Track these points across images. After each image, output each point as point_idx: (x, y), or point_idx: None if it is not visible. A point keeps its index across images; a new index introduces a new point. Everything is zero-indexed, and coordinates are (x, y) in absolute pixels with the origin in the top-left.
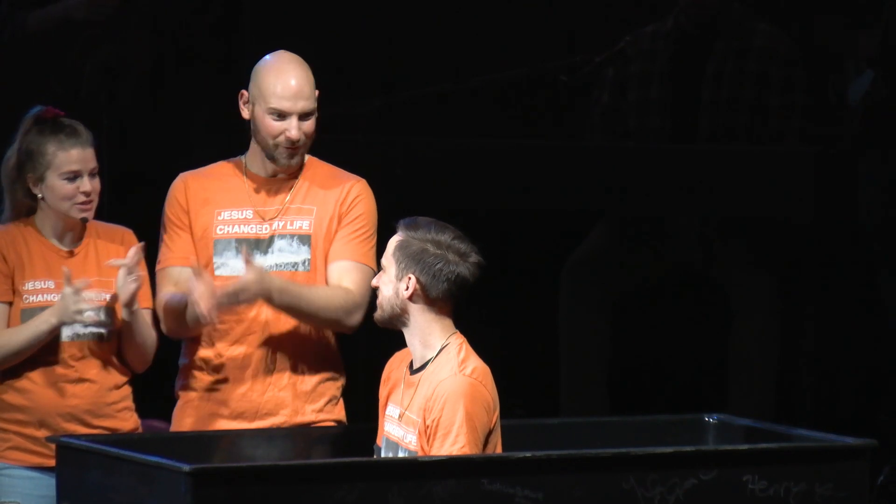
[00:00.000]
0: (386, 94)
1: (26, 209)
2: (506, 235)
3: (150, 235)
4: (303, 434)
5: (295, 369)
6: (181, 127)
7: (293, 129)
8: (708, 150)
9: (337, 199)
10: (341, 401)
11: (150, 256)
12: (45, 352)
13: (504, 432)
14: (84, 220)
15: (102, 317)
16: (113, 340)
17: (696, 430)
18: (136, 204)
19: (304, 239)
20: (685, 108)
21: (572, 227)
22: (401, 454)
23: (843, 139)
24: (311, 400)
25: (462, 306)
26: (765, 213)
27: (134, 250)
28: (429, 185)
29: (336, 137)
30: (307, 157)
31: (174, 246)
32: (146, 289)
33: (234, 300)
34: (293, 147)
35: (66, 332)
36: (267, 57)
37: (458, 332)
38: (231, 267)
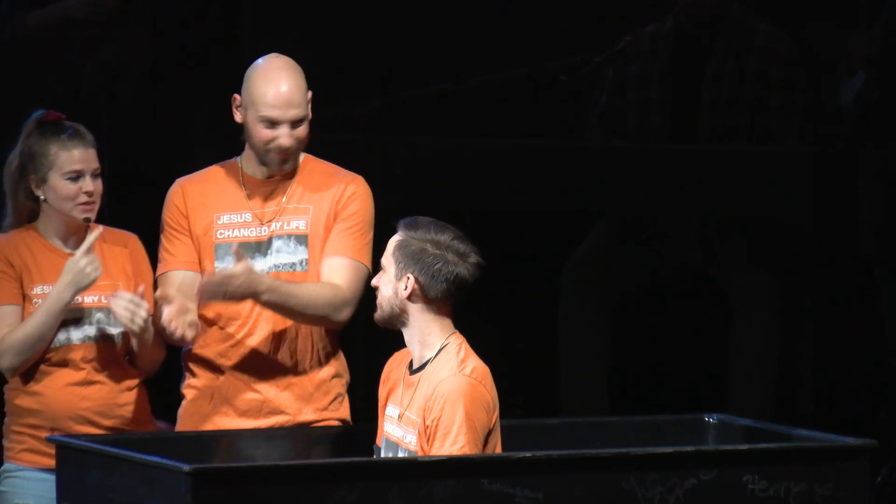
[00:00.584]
0: (386, 94)
1: (28, 213)
2: (506, 235)
3: (151, 236)
4: (303, 434)
5: (300, 367)
6: (181, 127)
7: (284, 136)
8: (708, 150)
9: (333, 197)
10: (346, 399)
11: (150, 257)
12: (56, 355)
13: (504, 432)
14: (86, 221)
15: (112, 320)
16: (123, 342)
17: (696, 430)
18: (135, 204)
19: (301, 239)
20: (685, 108)
21: (572, 227)
22: (401, 454)
23: (841, 139)
24: (316, 398)
25: (462, 306)
26: (764, 213)
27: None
28: (429, 185)
29: (336, 137)
30: (304, 155)
31: (175, 250)
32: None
33: (220, 290)
34: (285, 153)
35: (76, 335)
36: (259, 61)
37: (458, 332)
38: None
